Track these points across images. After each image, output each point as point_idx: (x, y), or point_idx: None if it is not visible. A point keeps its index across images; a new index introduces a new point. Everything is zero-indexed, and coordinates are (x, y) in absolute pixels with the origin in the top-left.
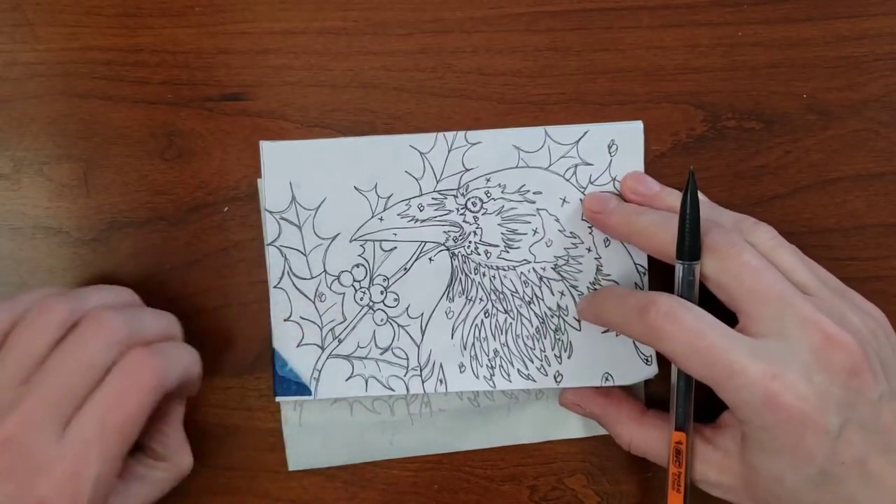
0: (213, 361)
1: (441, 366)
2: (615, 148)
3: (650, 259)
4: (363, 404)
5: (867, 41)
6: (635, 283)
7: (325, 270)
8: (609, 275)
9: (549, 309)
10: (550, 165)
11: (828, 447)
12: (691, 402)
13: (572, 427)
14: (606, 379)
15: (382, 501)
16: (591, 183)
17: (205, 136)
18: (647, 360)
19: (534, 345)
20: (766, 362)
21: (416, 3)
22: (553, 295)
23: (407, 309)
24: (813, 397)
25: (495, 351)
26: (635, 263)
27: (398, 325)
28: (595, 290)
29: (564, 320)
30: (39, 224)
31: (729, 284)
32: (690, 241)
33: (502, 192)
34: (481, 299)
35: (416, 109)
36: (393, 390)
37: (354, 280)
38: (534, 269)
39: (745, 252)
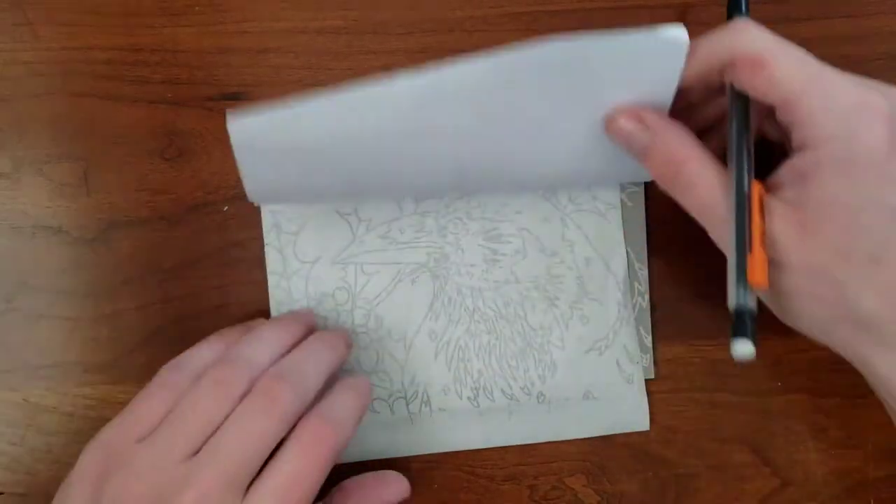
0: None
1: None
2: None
3: (650, 267)
4: None
5: (867, 41)
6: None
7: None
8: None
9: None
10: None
11: None
12: (752, 149)
13: (572, 428)
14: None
15: None
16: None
17: (205, 136)
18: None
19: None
20: (851, 77)
21: (416, 2)
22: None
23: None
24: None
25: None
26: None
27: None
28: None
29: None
30: (39, 224)
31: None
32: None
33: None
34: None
35: None
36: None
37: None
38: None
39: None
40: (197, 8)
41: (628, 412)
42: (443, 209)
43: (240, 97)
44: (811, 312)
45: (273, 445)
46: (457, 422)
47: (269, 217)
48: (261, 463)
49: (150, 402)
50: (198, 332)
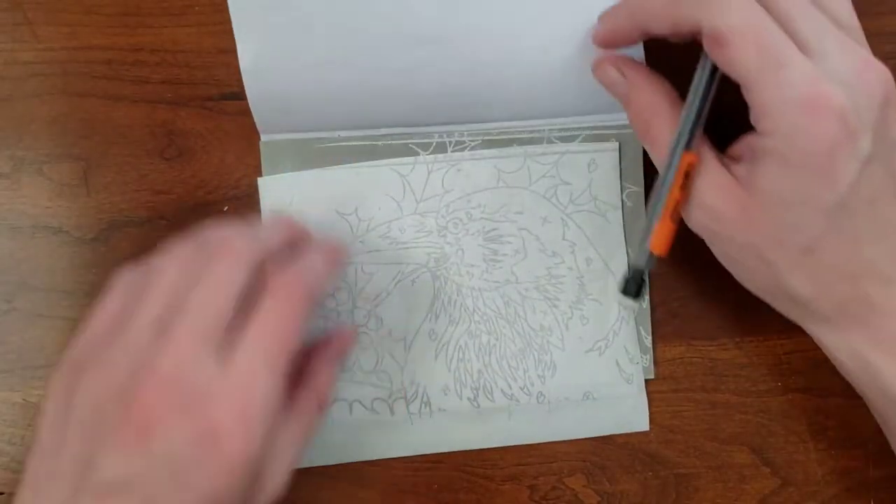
0: None
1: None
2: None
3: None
4: (362, 404)
5: (867, 41)
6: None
7: None
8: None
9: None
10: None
11: (854, 173)
12: (703, 120)
13: (572, 428)
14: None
15: (382, 501)
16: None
17: (205, 136)
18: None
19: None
20: (814, 67)
21: None
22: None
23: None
24: (853, 111)
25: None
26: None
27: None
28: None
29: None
30: (39, 224)
31: (770, 4)
32: None
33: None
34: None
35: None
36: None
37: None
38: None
39: None
40: (197, 8)
41: (628, 412)
42: (443, 209)
43: (240, 97)
44: (752, 281)
45: (239, 294)
46: (457, 422)
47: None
48: (230, 314)
49: (110, 302)
50: None
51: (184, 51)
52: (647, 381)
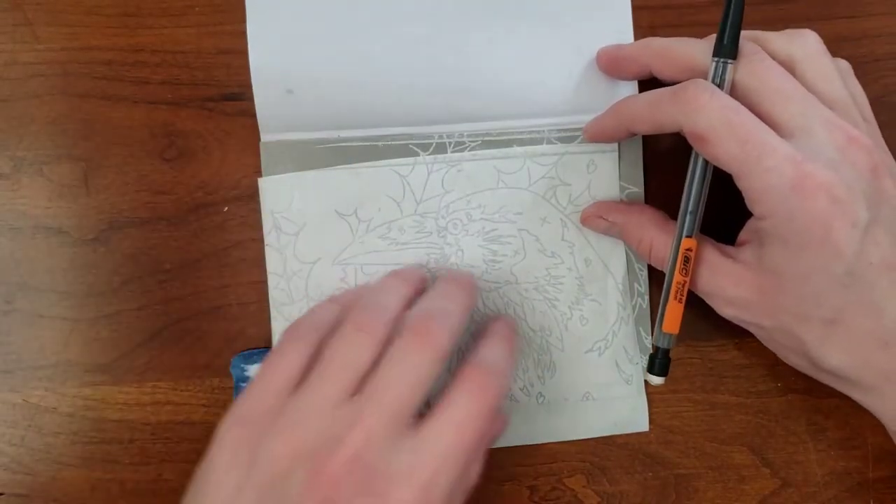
0: (212, 361)
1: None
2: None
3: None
4: None
5: (867, 41)
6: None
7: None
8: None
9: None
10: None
11: (857, 242)
12: (701, 210)
13: (571, 428)
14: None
15: None
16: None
17: (205, 136)
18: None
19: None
20: (797, 147)
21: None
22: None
23: None
24: (841, 184)
25: None
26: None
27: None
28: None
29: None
30: (39, 224)
31: (756, 87)
32: (731, 35)
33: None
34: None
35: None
36: None
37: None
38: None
39: (770, 58)
40: (197, 8)
41: (628, 413)
42: (443, 210)
43: (240, 97)
44: (788, 358)
45: (431, 383)
46: None
47: (269, 218)
48: (422, 401)
49: (285, 359)
50: (198, 332)
51: (184, 51)
52: (646, 381)
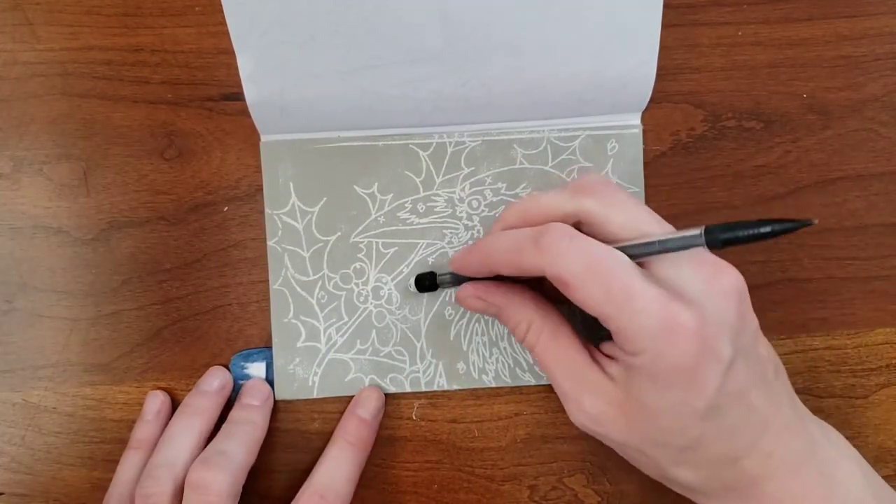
0: (212, 361)
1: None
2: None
3: None
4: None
5: (867, 41)
6: None
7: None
8: None
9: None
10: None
11: (720, 377)
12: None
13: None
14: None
15: (382, 501)
16: None
17: (205, 136)
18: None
19: None
20: (664, 287)
21: None
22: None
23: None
24: (710, 322)
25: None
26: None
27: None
28: None
29: None
30: (39, 224)
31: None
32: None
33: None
34: None
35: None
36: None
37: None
38: None
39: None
40: (197, 8)
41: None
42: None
43: (240, 97)
44: (644, 469)
45: None
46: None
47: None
48: None
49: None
50: (198, 332)
51: (184, 51)
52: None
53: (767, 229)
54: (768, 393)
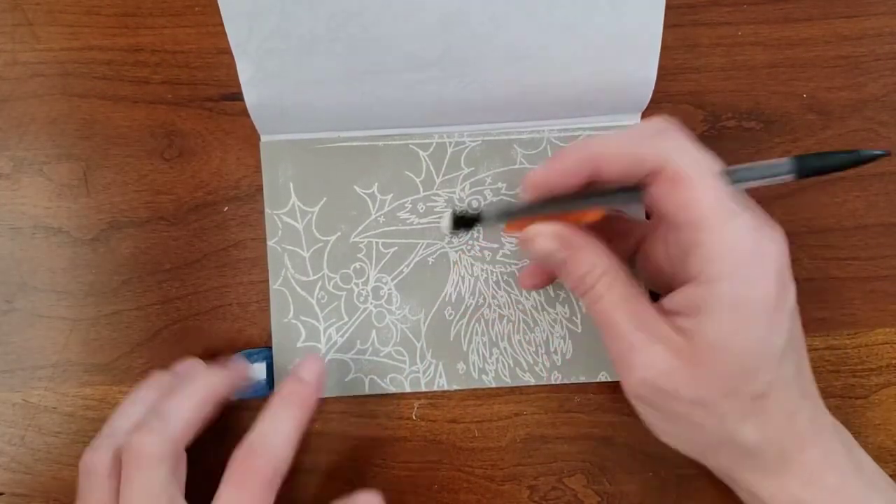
0: (212, 361)
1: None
2: None
3: None
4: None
5: (867, 41)
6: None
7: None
8: None
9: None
10: None
11: (790, 318)
12: None
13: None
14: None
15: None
16: None
17: (205, 136)
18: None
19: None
20: (758, 223)
21: None
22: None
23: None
24: (787, 266)
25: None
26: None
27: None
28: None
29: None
30: (39, 224)
31: None
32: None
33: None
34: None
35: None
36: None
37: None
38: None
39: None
40: (197, 8)
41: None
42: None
43: (240, 98)
44: (691, 436)
45: (167, 487)
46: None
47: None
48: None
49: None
50: (198, 332)
51: (184, 51)
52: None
53: (856, 156)
54: (805, 354)
